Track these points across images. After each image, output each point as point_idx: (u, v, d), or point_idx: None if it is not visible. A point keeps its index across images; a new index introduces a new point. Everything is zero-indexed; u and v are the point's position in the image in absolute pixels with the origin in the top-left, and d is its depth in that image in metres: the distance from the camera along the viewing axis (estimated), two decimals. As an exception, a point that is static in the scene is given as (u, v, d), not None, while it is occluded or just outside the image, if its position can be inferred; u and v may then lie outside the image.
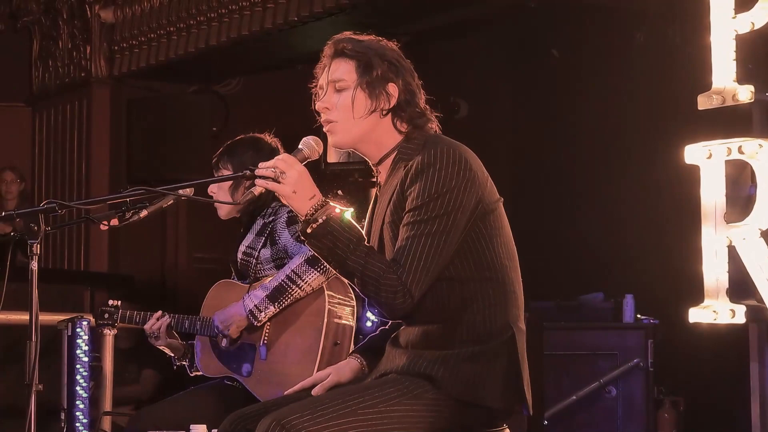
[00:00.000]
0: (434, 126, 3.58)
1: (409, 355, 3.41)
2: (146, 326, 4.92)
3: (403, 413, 3.29)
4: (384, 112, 3.50)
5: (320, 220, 3.31)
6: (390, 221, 3.44)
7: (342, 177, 7.22)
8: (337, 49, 3.54)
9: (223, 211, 4.97)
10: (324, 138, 3.57)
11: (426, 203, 3.33)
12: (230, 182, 4.88)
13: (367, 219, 3.67)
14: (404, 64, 3.56)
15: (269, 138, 4.99)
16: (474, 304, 3.38)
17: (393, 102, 3.50)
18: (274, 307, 4.66)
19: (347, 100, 3.48)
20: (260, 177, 3.37)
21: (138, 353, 8.27)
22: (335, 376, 3.62)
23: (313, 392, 3.55)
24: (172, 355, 5.01)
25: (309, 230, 3.32)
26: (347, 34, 3.58)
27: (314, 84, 3.61)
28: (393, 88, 3.50)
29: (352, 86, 3.49)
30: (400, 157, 3.49)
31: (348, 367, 3.66)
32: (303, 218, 3.33)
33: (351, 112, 3.48)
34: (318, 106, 3.54)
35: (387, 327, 3.73)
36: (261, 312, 4.67)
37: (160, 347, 4.97)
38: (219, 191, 4.91)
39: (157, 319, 4.90)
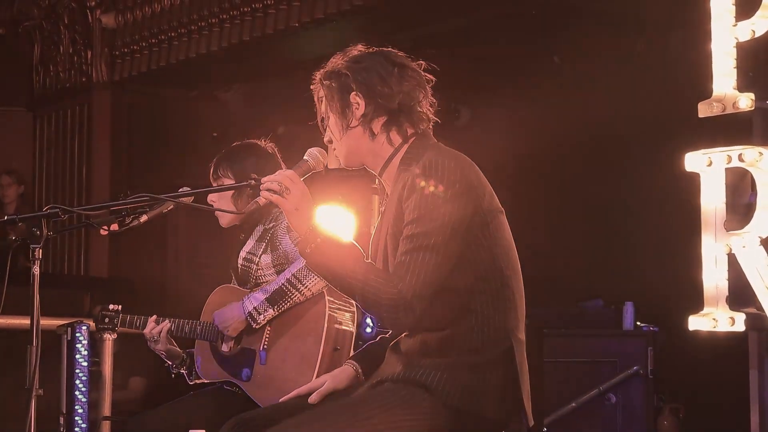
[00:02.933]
0: (427, 124, 3.57)
1: (406, 363, 3.41)
2: (145, 330, 4.93)
3: (399, 423, 3.29)
4: (359, 122, 3.51)
5: (318, 240, 3.34)
6: (392, 233, 3.44)
7: (343, 182, 7.22)
8: (318, 80, 3.63)
9: (225, 220, 4.97)
10: (327, 148, 3.62)
11: (423, 215, 3.33)
12: (232, 190, 4.89)
13: (375, 230, 3.68)
14: (381, 69, 3.53)
15: (264, 143, 5.00)
16: (472, 313, 3.38)
17: (359, 109, 3.51)
18: (273, 310, 4.67)
19: (331, 127, 3.58)
20: (267, 190, 3.40)
21: (126, 359, 8.22)
22: (331, 383, 3.63)
23: (310, 400, 3.57)
24: (170, 363, 5.01)
25: (308, 249, 3.35)
26: (334, 57, 3.61)
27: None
28: (355, 97, 3.52)
29: (328, 114, 3.59)
30: (402, 168, 3.50)
31: (344, 374, 3.68)
32: (301, 237, 3.36)
33: (337, 135, 3.57)
34: (325, 140, 3.64)
35: (387, 335, 3.74)
36: (260, 314, 4.68)
37: (159, 352, 4.97)
38: (220, 200, 4.91)
39: (156, 323, 4.91)
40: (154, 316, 4.95)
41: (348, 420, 3.27)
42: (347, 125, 3.53)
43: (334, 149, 3.60)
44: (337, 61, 3.58)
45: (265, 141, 5.01)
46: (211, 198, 4.93)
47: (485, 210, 3.41)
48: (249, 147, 4.98)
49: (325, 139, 3.62)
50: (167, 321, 4.92)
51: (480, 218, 3.39)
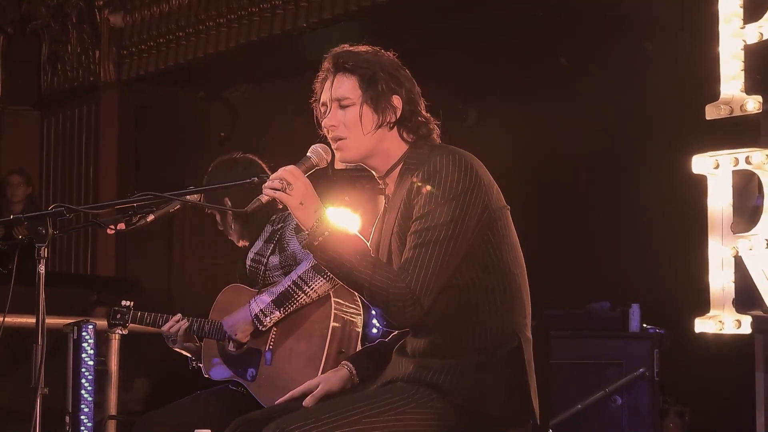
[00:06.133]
0: (437, 134, 3.59)
1: (416, 363, 3.41)
2: (164, 328, 4.94)
3: (408, 422, 3.29)
4: (390, 125, 3.51)
5: (326, 233, 3.32)
6: (398, 231, 3.44)
7: (350, 183, 7.23)
8: (337, 63, 3.54)
9: (236, 236, 5.01)
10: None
11: (433, 210, 3.33)
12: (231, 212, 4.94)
13: (374, 230, 3.67)
14: (404, 73, 3.56)
15: (239, 155, 5.02)
16: (481, 312, 3.38)
17: (398, 114, 3.51)
18: (280, 312, 4.67)
19: (354, 116, 3.48)
20: (270, 187, 3.37)
21: (131, 360, 8.21)
22: (325, 385, 3.61)
23: (304, 403, 3.53)
24: (189, 355, 5.03)
25: (315, 243, 3.33)
26: (345, 47, 3.58)
27: (314, 99, 3.61)
28: (397, 100, 3.51)
29: (357, 102, 3.49)
30: (406, 168, 3.49)
31: (337, 375, 3.66)
32: (308, 231, 3.34)
33: (360, 128, 3.48)
34: (325, 123, 3.53)
35: (387, 340, 3.73)
36: (266, 317, 4.68)
37: (176, 350, 4.99)
38: (224, 224, 5.00)
39: (176, 322, 4.92)
40: (178, 315, 4.96)
41: (357, 414, 3.27)
42: (380, 124, 3.49)
43: (340, 139, 3.50)
44: (373, 57, 3.53)
45: (239, 153, 5.04)
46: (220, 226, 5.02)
47: (494, 207, 3.40)
48: (221, 165, 5.02)
49: (329, 122, 3.50)
50: (185, 320, 4.92)
51: (489, 215, 3.39)
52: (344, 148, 3.52)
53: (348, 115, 3.49)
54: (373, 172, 3.61)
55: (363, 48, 3.57)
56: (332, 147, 3.54)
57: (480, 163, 3.45)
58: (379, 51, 3.58)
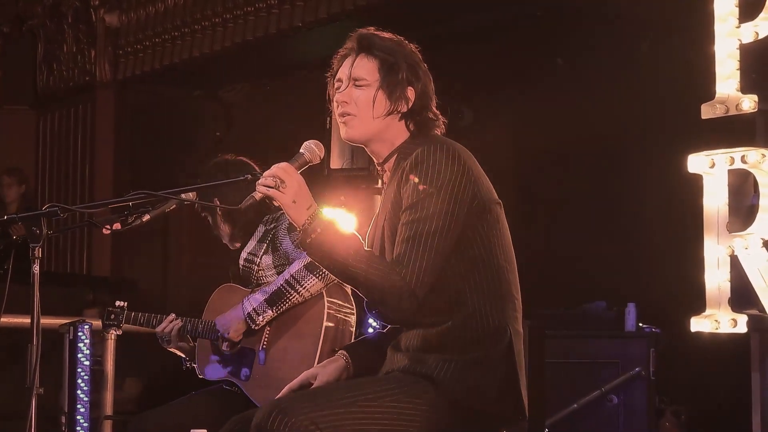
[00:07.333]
0: (440, 130, 3.60)
1: (411, 357, 3.41)
2: (158, 329, 4.95)
3: (402, 409, 3.29)
4: (400, 115, 3.52)
5: (319, 230, 3.32)
6: (389, 219, 3.45)
7: (345, 183, 7.22)
8: (361, 44, 3.57)
9: (228, 239, 5.02)
10: (326, 142, 3.59)
11: (422, 200, 3.34)
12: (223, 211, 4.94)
13: (371, 225, 3.67)
14: (423, 68, 3.60)
15: (232, 157, 5.03)
16: (468, 304, 3.38)
17: (410, 105, 3.54)
18: (272, 311, 4.68)
19: (368, 98, 3.51)
20: (263, 185, 3.37)
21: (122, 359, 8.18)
22: (322, 376, 3.61)
23: None
24: (183, 355, 5.03)
25: (308, 240, 3.34)
26: (371, 30, 3.62)
27: (330, 73, 3.64)
28: (411, 93, 3.54)
29: (373, 86, 3.52)
30: (401, 157, 3.50)
31: (333, 365, 3.66)
32: (301, 228, 3.35)
33: (370, 110, 3.51)
34: (337, 98, 3.56)
35: (384, 331, 3.74)
36: (259, 315, 4.69)
37: (170, 350, 5.00)
38: (221, 225, 4.99)
39: (170, 322, 4.92)
40: (172, 315, 4.96)
41: (353, 398, 3.27)
42: (390, 111, 3.52)
43: (348, 115, 3.53)
44: (397, 46, 3.57)
45: (232, 155, 5.05)
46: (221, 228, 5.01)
47: (484, 198, 3.41)
48: (215, 166, 5.02)
49: (341, 98, 3.53)
50: (179, 320, 4.93)
51: (479, 205, 3.39)
52: (351, 124, 3.54)
53: (362, 96, 3.52)
54: (374, 159, 3.63)
55: (389, 35, 3.61)
56: (339, 121, 3.57)
57: (469, 153, 3.46)
58: (404, 41, 3.62)
